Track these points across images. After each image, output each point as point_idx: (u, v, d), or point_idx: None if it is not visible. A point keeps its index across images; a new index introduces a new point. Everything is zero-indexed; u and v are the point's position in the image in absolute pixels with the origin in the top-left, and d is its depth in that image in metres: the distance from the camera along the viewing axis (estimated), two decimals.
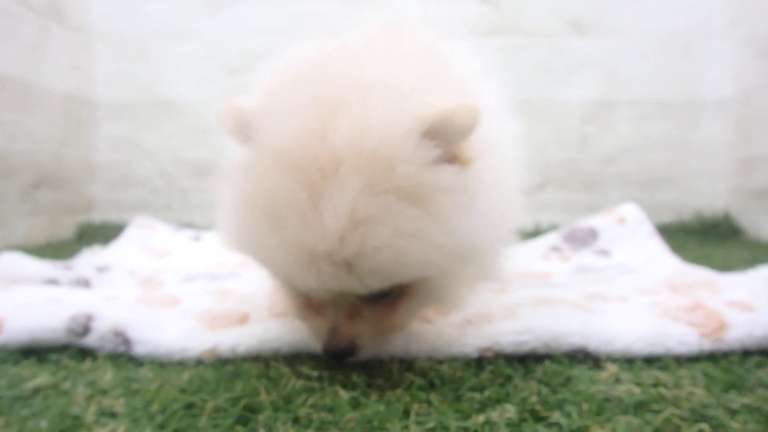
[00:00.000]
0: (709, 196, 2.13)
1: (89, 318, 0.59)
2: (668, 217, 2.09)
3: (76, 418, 0.42)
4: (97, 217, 2.19)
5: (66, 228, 2.03)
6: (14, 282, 0.78)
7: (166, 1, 2.18)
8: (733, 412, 0.44)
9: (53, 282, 0.81)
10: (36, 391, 0.48)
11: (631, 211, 1.26)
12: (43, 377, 0.51)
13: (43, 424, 0.41)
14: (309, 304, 0.52)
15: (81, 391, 0.47)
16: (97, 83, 2.20)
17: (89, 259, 0.97)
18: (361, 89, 0.45)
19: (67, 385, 0.49)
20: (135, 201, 2.25)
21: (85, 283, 0.84)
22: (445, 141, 0.44)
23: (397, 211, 0.43)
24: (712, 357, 0.57)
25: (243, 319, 0.64)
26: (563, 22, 2.12)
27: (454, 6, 2.15)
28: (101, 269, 0.90)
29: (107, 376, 0.52)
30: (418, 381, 0.50)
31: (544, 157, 2.15)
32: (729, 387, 0.49)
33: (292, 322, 0.60)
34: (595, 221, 1.27)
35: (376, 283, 0.46)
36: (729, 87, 2.03)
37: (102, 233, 1.90)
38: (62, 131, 1.99)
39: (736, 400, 0.46)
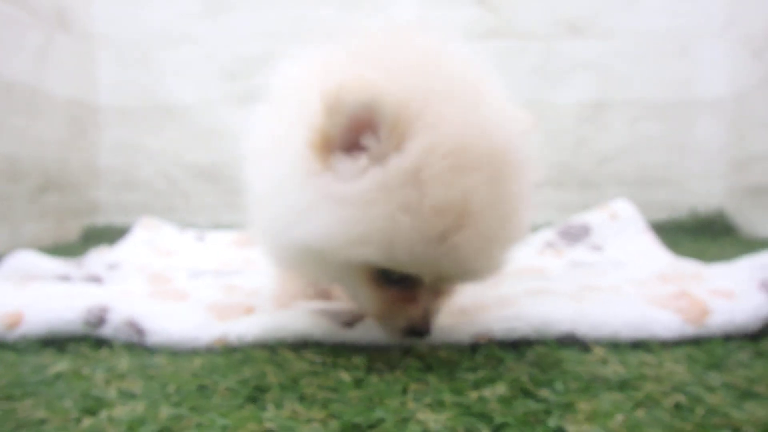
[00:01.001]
0: (704, 195, 2.16)
1: (104, 310, 0.62)
2: (663, 216, 2.13)
3: (98, 398, 0.45)
4: (102, 219, 2.23)
5: (72, 231, 2.06)
6: (30, 278, 0.81)
7: (167, 7, 2.22)
8: (711, 389, 0.47)
9: (65, 279, 0.84)
10: (58, 376, 0.51)
11: (624, 207, 1.29)
12: (63, 364, 0.54)
13: (68, 404, 0.44)
14: (399, 297, 0.54)
15: (100, 376, 0.50)
16: (101, 89, 2.24)
17: (99, 257, 1.00)
18: (480, 92, 0.51)
19: (86, 371, 0.52)
20: (138, 204, 2.29)
21: (96, 280, 0.87)
22: None
23: (529, 194, 0.52)
24: (696, 341, 0.60)
25: (249, 311, 0.67)
26: (559, 25, 2.15)
27: (450, 9, 2.18)
28: (112, 266, 0.93)
29: (123, 362, 0.55)
30: (416, 364, 0.53)
31: (540, 158, 2.18)
32: (710, 367, 0.52)
33: (295, 314, 0.63)
34: (589, 217, 1.30)
35: (503, 267, 0.53)
36: (724, 87, 2.06)
37: (106, 235, 1.93)
38: (67, 136, 2.02)
39: (715, 378, 0.49)
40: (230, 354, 0.58)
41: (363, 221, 0.45)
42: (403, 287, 0.53)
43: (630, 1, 2.12)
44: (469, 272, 0.51)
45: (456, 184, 0.45)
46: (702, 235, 2.00)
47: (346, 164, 0.46)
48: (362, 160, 0.46)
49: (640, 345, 0.60)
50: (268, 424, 0.40)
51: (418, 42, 0.59)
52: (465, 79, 0.53)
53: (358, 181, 0.46)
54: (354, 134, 0.46)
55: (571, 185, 2.21)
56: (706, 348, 0.58)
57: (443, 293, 0.57)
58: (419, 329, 0.55)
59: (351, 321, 0.62)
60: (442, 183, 0.45)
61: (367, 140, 0.46)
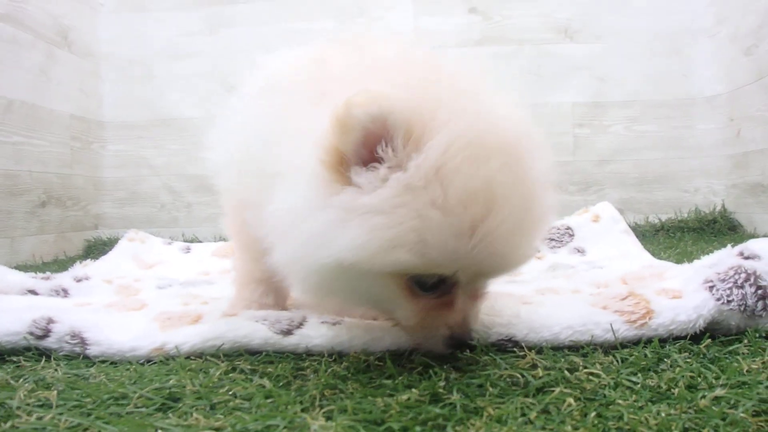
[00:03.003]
0: (706, 193, 2.10)
1: (49, 321, 0.64)
2: (666, 215, 2.08)
3: (11, 408, 0.46)
4: (105, 233, 2.28)
5: (74, 244, 2.12)
6: None
7: (169, 24, 2.28)
8: (628, 392, 0.46)
9: (32, 292, 0.86)
10: None
11: (606, 209, 1.27)
12: None
13: None
14: (436, 305, 0.53)
15: (26, 386, 0.52)
16: (104, 104, 2.31)
17: (73, 270, 1.03)
18: (477, 92, 0.53)
19: (17, 382, 0.53)
20: (141, 217, 2.34)
21: (63, 292, 0.89)
22: None
23: (548, 182, 0.54)
24: (637, 342, 0.59)
25: (196, 320, 0.68)
26: (552, 29, 2.14)
27: (444, 17, 2.19)
28: (79, 279, 0.96)
29: (57, 374, 0.56)
30: (340, 371, 0.53)
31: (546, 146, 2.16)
32: (640, 370, 0.51)
33: (236, 322, 0.64)
34: (572, 220, 1.29)
35: (534, 255, 0.54)
36: (719, 85, 2.02)
37: (110, 248, 1.97)
38: (70, 151, 2.09)
39: (639, 381, 0.48)
40: (165, 363, 0.58)
41: (393, 226, 0.46)
42: (439, 294, 0.53)
43: (620, 4, 2.11)
44: (503, 263, 0.51)
45: (477, 173, 0.46)
46: (704, 234, 1.95)
47: (365, 177, 0.47)
48: (382, 170, 0.46)
49: (580, 348, 0.59)
50: None
51: (416, 54, 0.60)
52: (465, 79, 0.55)
53: (382, 189, 0.46)
54: (368, 149, 0.47)
55: (571, 187, 2.18)
56: (645, 349, 0.56)
57: (479, 296, 0.57)
58: (461, 336, 0.54)
59: (289, 329, 0.62)
60: (464, 175, 0.46)
61: (383, 151, 0.47)
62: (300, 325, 0.63)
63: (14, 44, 1.76)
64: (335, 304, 0.70)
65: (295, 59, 0.65)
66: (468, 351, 0.57)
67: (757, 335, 0.59)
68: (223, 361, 0.58)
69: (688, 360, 0.53)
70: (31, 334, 0.63)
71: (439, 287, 0.52)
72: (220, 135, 0.71)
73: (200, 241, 1.94)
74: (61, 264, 1.71)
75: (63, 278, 0.95)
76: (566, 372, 0.50)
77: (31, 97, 1.85)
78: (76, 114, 2.12)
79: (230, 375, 0.54)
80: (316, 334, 0.61)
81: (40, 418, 0.43)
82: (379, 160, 0.47)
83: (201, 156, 0.74)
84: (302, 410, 0.43)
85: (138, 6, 2.29)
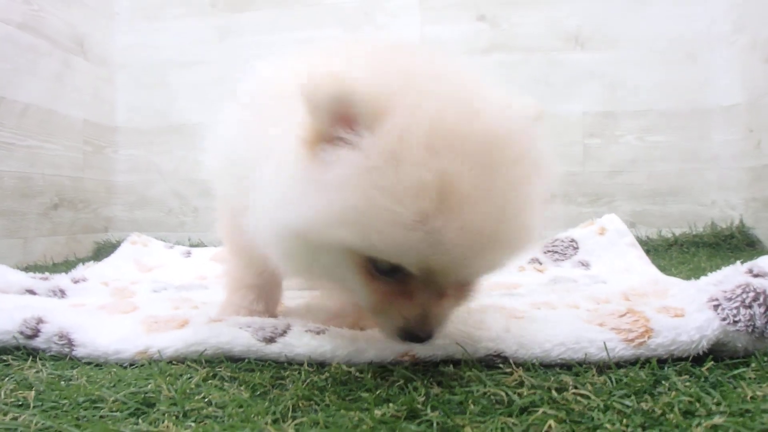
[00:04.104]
0: (723, 207, 2.04)
1: (39, 321, 0.64)
2: (680, 229, 2.02)
3: None
4: (115, 236, 2.31)
5: (85, 246, 2.15)
6: None
7: (181, 33, 2.33)
8: (621, 415, 0.43)
9: (31, 292, 0.87)
10: None
11: (612, 221, 1.24)
12: None
13: None
14: (393, 291, 0.51)
15: (8, 386, 0.51)
16: (117, 110, 2.36)
17: (73, 272, 1.04)
18: (479, 85, 0.51)
19: (1, 381, 0.53)
20: (150, 220, 2.37)
21: (61, 293, 0.90)
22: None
23: (537, 194, 0.49)
24: (635, 362, 0.56)
25: (182, 324, 0.67)
26: (561, 36, 2.11)
27: (452, 25, 2.18)
28: (76, 280, 0.96)
29: (41, 374, 0.56)
30: (320, 381, 0.52)
31: (553, 157, 2.13)
32: (635, 392, 0.48)
33: (220, 328, 0.63)
34: (576, 232, 1.26)
35: (509, 262, 0.50)
36: (737, 94, 1.95)
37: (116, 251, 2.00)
38: (83, 155, 2.13)
39: (632, 405, 0.45)
40: (146, 367, 0.58)
41: (338, 202, 0.45)
42: (397, 280, 0.50)
43: (633, 10, 2.06)
44: (457, 266, 0.47)
45: (431, 164, 0.43)
46: (720, 249, 1.89)
47: (329, 153, 0.47)
48: (342, 147, 0.46)
49: (572, 366, 0.56)
50: None
51: (404, 45, 0.60)
52: (445, 66, 0.52)
53: (336, 165, 0.46)
54: (336, 126, 0.46)
55: (581, 198, 2.14)
56: (642, 370, 0.54)
57: (447, 296, 0.53)
58: (415, 331, 0.51)
59: (272, 337, 0.61)
60: (417, 163, 0.43)
61: (347, 132, 0.46)
62: (284, 332, 0.62)
63: (32, 51, 1.81)
64: (323, 313, 0.69)
65: (286, 65, 0.65)
66: (452, 366, 0.55)
67: (766, 359, 0.55)
68: (204, 367, 0.57)
69: (688, 383, 0.50)
70: (21, 333, 0.63)
71: (395, 274, 0.50)
72: (214, 140, 0.71)
73: (205, 246, 1.95)
74: (71, 265, 1.73)
75: (61, 279, 0.96)
76: (554, 392, 0.48)
77: (47, 103, 1.89)
78: (89, 119, 2.16)
79: (208, 382, 0.53)
80: (299, 342, 0.60)
81: (15, 418, 0.43)
82: (345, 140, 0.46)
83: (200, 161, 0.75)
84: (273, 421, 0.42)
85: (151, 15, 2.34)
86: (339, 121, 0.46)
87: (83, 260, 1.95)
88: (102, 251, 2.15)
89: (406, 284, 0.50)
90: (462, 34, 2.17)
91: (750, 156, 1.92)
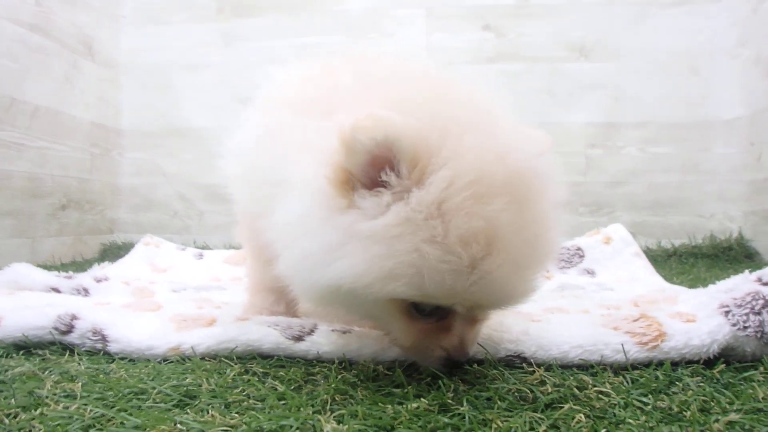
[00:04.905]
0: (722, 219, 2.07)
1: (73, 317, 0.66)
2: (679, 240, 2.05)
3: (39, 397, 0.48)
4: (121, 237, 2.32)
5: (91, 247, 2.16)
6: (21, 289, 0.87)
7: (187, 37, 2.35)
8: (640, 412, 0.46)
9: (55, 290, 0.89)
10: (17, 376, 0.55)
11: (618, 231, 1.27)
12: (25, 366, 0.58)
13: (12, 401, 0.47)
14: (433, 329, 0.54)
15: (52, 378, 0.54)
16: (123, 113, 2.38)
17: (92, 271, 1.06)
18: (498, 120, 0.53)
19: (43, 373, 0.55)
20: (155, 223, 2.38)
21: (84, 291, 0.92)
22: None
23: (554, 217, 0.53)
24: (648, 364, 0.59)
25: (210, 323, 0.69)
26: (566, 47, 2.15)
27: (457, 34, 2.21)
28: (99, 279, 0.98)
29: (80, 367, 0.58)
30: (350, 377, 0.54)
31: (560, 177, 2.15)
32: (651, 391, 0.51)
33: (249, 326, 0.65)
34: (582, 241, 1.29)
35: (536, 290, 0.54)
36: (739, 107, 1.99)
37: (124, 252, 2.01)
38: (89, 157, 2.15)
39: (650, 402, 0.48)
40: (181, 362, 0.60)
41: (391, 257, 0.45)
42: (437, 319, 0.53)
43: (637, 22, 2.10)
44: (502, 298, 0.51)
45: (480, 212, 0.45)
46: (719, 261, 1.92)
47: (369, 201, 0.46)
48: (385, 196, 0.46)
49: (589, 367, 0.59)
50: (180, 426, 0.41)
51: (428, 71, 0.59)
52: (479, 108, 0.53)
53: (383, 217, 0.46)
54: (375, 171, 0.47)
55: (582, 208, 2.17)
56: (656, 372, 0.56)
57: (478, 320, 0.57)
58: (456, 358, 0.54)
59: (300, 335, 0.64)
60: (466, 213, 0.45)
61: (388, 176, 0.46)
62: (311, 332, 0.64)
63: (42, 53, 1.83)
64: (344, 315, 0.71)
65: (304, 72, 0.66)
66: (476, 365, 0.57)
67: None
68: (236, 363, 0.59)
69: (701, 384, 0.52)
70: (56, 329, 0.65)
71: (436, 313, 0.52)
72: (231, 146, 0.72)
73: (210, 249, 1.96)
74: (78, 266, 1.74)
75: (84, 278, 0.98)
76: (575, 389, 0.50)
77: (56, 104, 1.91)
78: (96, 121, 2.18)
79: (243, 376, 0.55)
80: (326, 341, 0.63)
81: (66, 408, 0.45)
82: (384, 185, 0.46)
83: (215, 165, 0.76)
84: (314, 412, 0.44)
85: (158, 18, 2.36)
86: (377, 167, 0.46)
87: (90, 261, 1.96)
88: (108, 253, 2.16)
89: (445, 320, 0.53)
90: (467, 43, 2.20)
91: (750, 169, 1.96)
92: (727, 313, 0.60)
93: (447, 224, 0.45)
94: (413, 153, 0.45)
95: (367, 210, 0.47)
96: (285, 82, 0.69)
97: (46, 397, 0.47)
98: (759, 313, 0.59)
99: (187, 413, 0.45)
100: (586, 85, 2.14)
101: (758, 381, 0.54)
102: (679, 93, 2.09)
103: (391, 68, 0.59)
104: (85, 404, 0.46)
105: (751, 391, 0.50)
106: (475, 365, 0.57)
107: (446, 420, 0.44)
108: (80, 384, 0.51)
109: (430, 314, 0.52)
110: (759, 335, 0.59)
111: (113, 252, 2.13)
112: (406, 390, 0.50)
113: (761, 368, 0.57)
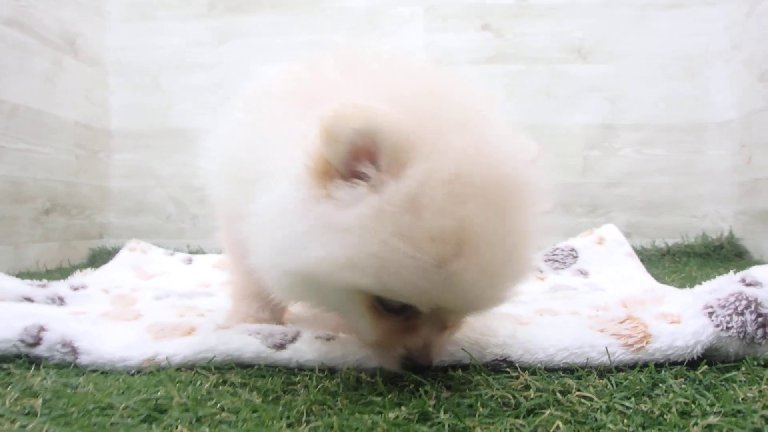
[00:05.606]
0: (714, 219, 2.08)
1: (41, 329, 0.64)
2: (672, 240, 2.06)
3: None
4: (111, 242, 2.28)
5: (79, 252, 2.12)
6: None
7: (177, 34, 2.29)
8: (622, 416, 0.45)
9: (28, 299, 0.86)
10: None
11: (611, 231, 1.26)
12: None
13: None
14: (398, 327, 0.52)
15: (13, 394, 0.51)
16: (111, 113, 2.32)
17: (71, 279, 1.03)
18: (488, 120, 0.50)
19: (5, 389, 0.53)
20: (147, 227, 2.34)
21: (59, 300, 0.89)
22: None
23: (536, 229, 0.50)
24: (634, 366, 0.58)
25: (189, 331, 0.67)
26: (565, 48, 2.14)
27: (457, 34, 2.19)
28: (76, 288, 0.96)
29: (45, 382, 0.56)
30: (331, 386, 0.52)
31: (549, 188, 2.14)
32: (635, 394, 0.50)
33: (229, 335, 0.63)
34: (576, 241, 1.28)
35: (509, 300, 0.52)
36: (732, 110, 2.00)
37: (113, 258, 1.98)
38: (76, 159, 2.10)
39: (632, 406, 0.47)
40: (155, 374, 0.58)
41: (356, 247, 0.44)
42: (403, 317, 0.51)
43: (636, 25, 2.10)
44: (468, 303, 0.49)
45: (453, 212, 0.44)
46: (711, 260, 1.93)
47: (344, 192, 0.46)
48: (361, 187, 0.45)
49: (575, 370, 0.57)
50: None
51: (420, 67, 0.57)
52: (470, 108, 0.51)
53: (355, 208, 0.45)
54: (354, 162, 0.45)
55: (579, 209, 2.17)
56: (640, 374, 0.55)
57: (448, 327, 0.55)
58: (418, 361, 0.53)
59: (282, 344, 0.62)
60: (439, 210, 0.44)
61: (367, 168, 0.45)
62: (293, 339, 0.63)
63: (20, 49, 1.76)
64: (331, 320, 0.70)
65: (288, 68, 0.65)
66: (461, 370, 0.56)
67: (755, 363, 0.57)
68: (213, 374, 0.57)
69: (684, 386, 0.51)
70: (23, 341, 0.62)
71: (403, 312, 0.51)
72: (211, 144, 0.70)
73: (205, 253, 1.94)
74: (64, 272, 1.71)
75: (59, 286, 0.95)
76: (558, 394, 0.49)
77: (37, 104, 1.83)
78: (81, 122, 2.12)
79: (219, 388, 0.53)
80: (309, 349, 0.61)
81: (23, 426, 0.43)
82: (362, 177, 0.45)
83: (199, 165, 0.73)
84: (288, 426, 0.43)
85: (146, 15, 2.30)
86: (357, 158, 0.45)
87: (78, 267, 1.93)
88: (97, 258, 2.12)
89: (412, 320, 0.52)
90: (466, 43, 2.18)
91: (741, 171, 1.97)
92: (711, 314, 0.60)
93: (418, 220, 0.44)
94: (393, 144, 0.44)
95: (342, 200, 0.46)
96: (267, 78, 0.67)
97: (1, 415, 0.45)
98: (742, 314, 0.59)
99: (154, 429, 0.43)
100: (585, 87, 2.13)
101: (739, 382, 0.53)
102: (675, 95, 2.09)
103: (382, 63, 0.57)
104: (44, 422, 0.43)
105: (732, 392, 0.50)
106: (460, 371, 0.56)
107: (425, 429, 0.42)
108: (41, 400, 0.48)
109: (396, 312, 0.51)
110: (741, 336, 0.58)
111: (103, 257, 2.10)
112: (386, 398, 0.48)
113: (743, 368, 0.56)
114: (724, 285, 0.63)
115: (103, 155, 2.29)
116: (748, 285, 0.61)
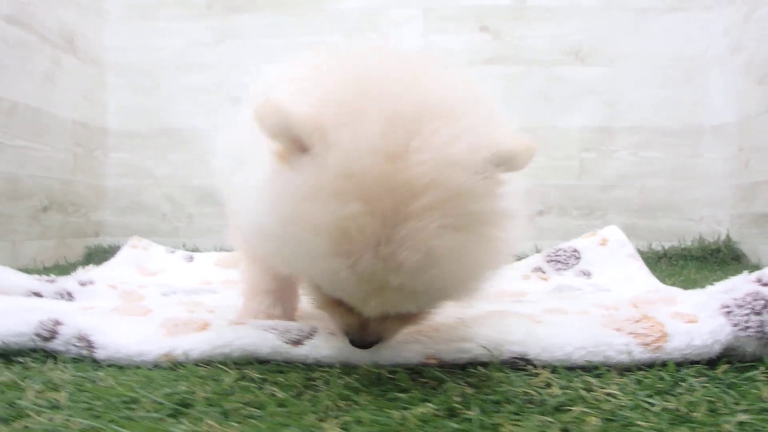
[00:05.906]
0: (711, 222, 2.10)
1: (56, 323, 0.63)
2: (669, 243, 2.08)
3: (21, 408, 0.45)
4: (106, 241, 2.26)
5: (75, 250, 2.10)
6: (1, 293, 0.83)
7: (176, 34, 2.29)
8: (647, 414, 0.45)
9: (37, 294, 0.85)
10: None
11: (613, 233, 1.27)
12: (5, 375, 0.55)
13: None
14: (340, 303, 0.52)
15: (35, 387, 0.51)
16: (109, 112, 2.31)
17: (77, 274, 1.02)
18: (434, 113, 0.46)
19: (25, 382, 0.53)
20: (143, 226, 2.32)
21: (68, 295, 0.88)
22: (501, 175, 0.47)
23: (469, 248, 0.45)
24: (652, 365, 0.58)
25: (203, 327, 0.67)
26: (563, 51, 2.15)
27: (455, 35, 2.20)
28: (83, 283, 0.95)
29: (65, 375, 0.55)
30: (353, 383, 0.52)
31: (544, 184, 2.17)
32: (657, 392, 0.50)
33: (244, 331, 0.63)
34: (578, 242, 1.29)
35: (432, 307, 0.52)
36: (729, 114, 2.02)
37: (110, 256, 1.95)
38: (73, 157, 2.08)
39: (657, 404, 0.47)
40: (173, 369, 0.58)
41: (272, 215, 0.48)
42: None
43: (635, 28, 2.12)
44: (362, 306, 0.49)
45: (335, 210, 0.43)
46: (708, 263, 1.95)
47: (281, 168, 0.49)
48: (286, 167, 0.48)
49: (593, 368, 0.58)
50: None
51: (404, 66, 0.55)
52: (422, 103, 0.47)
53: (279, 183, 0.48)
54: (289, 146, 0.48)
55: (575, 211, 2.18)
56: (660, 372, 0.56)
57: (390, 317, 0.53)
58: (354, 339, 0.54)
59: (299, 339, 0.62)
60: (323, 204, 0.44)
61: (299, 151, 0.47)
62: (310, 335, 0.62)
63: (20, 47, 1.75)
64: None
65: (290, 66, 0.65)
66: (481, 367, 0.56)
67: None
68: (232, 369, 0.57)
69: (706, 384, 0.52)
70: (38, 335, 0.62)
71: None
72: (219, 142, 0.72)
73: (200, 252, 1.92)
74: (62, 269, 1.69)
75: (67, 282, 0.94)
76: (582, 391, 0.49)
77: (36, 102, 1.83)
78: (79, 120, 2.11)
79: (240, 383, 0.53)
80: (326, 345, 0.61)
81: (51, 419, 0.42)
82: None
83: (207, 166, 0.75)
84: (318, 419, 0.43)
85: (146, 15, 2.29)
86: (291, 144, 0.47)
87: (74, 264, 1.91)
88: (93, 256, 2.10)
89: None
90: (464, 44, 2.19)
91: (739, 174, 1.99)
92: (728, 313, 0.60)
93: (310, 208, 0.45)
94: (305, 138, 0.46)
95: (278, 178, 0.49)
96: (269, 77, 0.68)
97: (28, 408, 0.44)
98: (759, 314, 0.59)
99: (182, 423, 0.42)
100: (582, 90, 2.15)
101: (761, 381, 0.53)
102: (672, 99, 2.11)
103: (361, 59, 0.56)
104: (71, 415, 0.43)
105: (755, 391, 0.50)
106: (480, 368, 0.56)
107: (455, 425, 0.42)
108: (65, 393, 0.48)
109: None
110: (759, 335, 0.58)
111: (99, 255, 2.08)
112: (410, 394, 0.48)
113: (762, 368, 0.57)
114: (740, 285, 0.64)
115: (100, 153, 2.27)
116: (765, 285, 0.62)
